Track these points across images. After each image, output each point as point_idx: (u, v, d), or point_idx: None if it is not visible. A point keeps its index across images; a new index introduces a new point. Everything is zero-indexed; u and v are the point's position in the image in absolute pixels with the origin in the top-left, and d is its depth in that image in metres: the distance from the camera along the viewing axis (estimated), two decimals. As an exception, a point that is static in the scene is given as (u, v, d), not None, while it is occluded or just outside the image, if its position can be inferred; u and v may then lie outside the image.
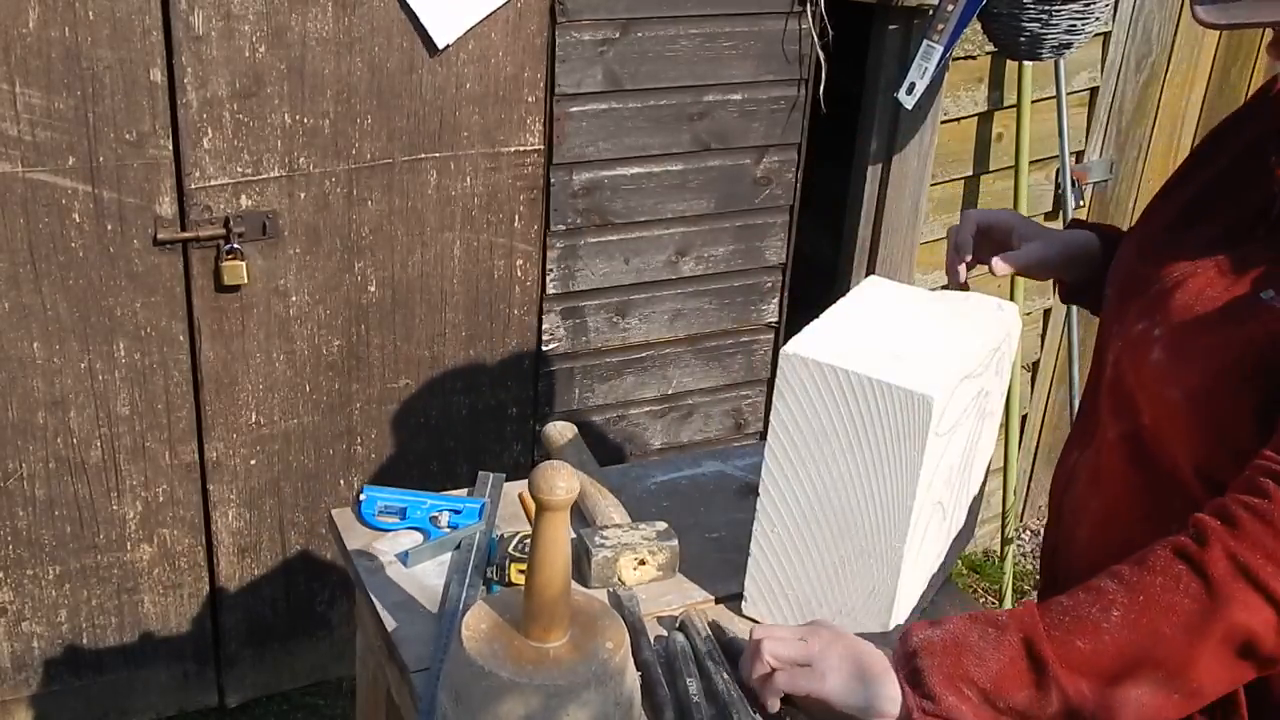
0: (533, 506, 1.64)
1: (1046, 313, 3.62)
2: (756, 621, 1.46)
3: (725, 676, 1.35)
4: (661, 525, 1.54)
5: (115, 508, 2.59)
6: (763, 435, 2.59)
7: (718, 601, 1.50)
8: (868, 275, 2.65)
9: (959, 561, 3.57)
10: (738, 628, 1.44)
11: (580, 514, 1.62)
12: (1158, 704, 1.19)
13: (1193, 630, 1.16)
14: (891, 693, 1.23)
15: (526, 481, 1.70)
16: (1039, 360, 3.70)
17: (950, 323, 1.45)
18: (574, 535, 1.53)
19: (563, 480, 1.14)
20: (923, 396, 1.27)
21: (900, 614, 1.42)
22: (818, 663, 1.26)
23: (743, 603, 1.48)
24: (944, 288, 1.63)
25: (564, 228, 2.75)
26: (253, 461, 2.68)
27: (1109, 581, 1.20)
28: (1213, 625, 1.16)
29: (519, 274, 2.76)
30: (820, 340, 1.37)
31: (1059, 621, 1.20)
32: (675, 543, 1.52)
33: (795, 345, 1.35)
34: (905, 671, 1.23)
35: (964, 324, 1.45)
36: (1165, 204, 1.51)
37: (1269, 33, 1.28)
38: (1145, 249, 1.46)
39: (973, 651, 1.21)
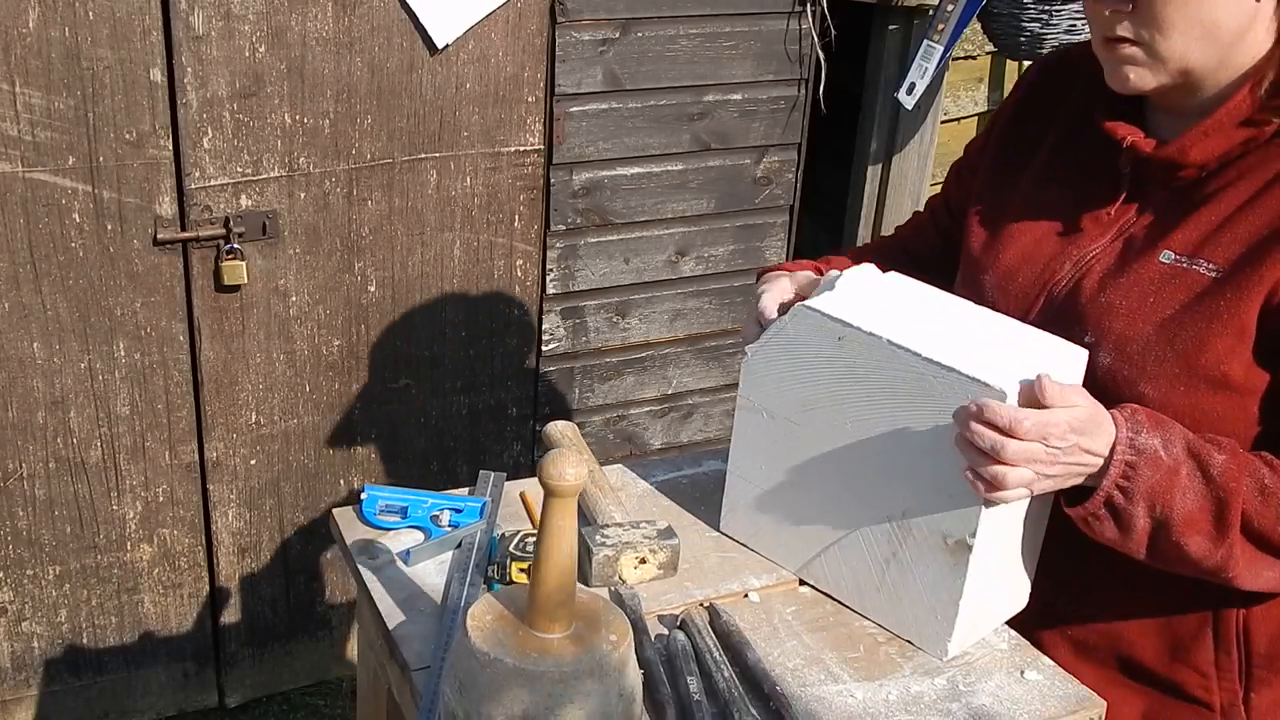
0: (535, 505, 1.64)
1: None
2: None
3: (726, 675, 1.35)
4: (663, 524, 1.54)
5: (115, 508, 2.59)
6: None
7: (719, 600, 1.50)
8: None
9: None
10: (737, 627, 1.44)
11: (581, 512, 1.62)
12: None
13: None
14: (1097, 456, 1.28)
15: (527, 480, 1.71)
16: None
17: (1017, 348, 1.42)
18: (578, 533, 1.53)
19: (571, 467, 1.14)
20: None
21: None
22: (1060, 467, 1.28)
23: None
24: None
25: (564, 228, 2.75)
26: (253, 461, 2.68)
27: None
28: None
29: (519, 274, 2.76)
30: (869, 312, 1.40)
31: (1253, 497, 1.28)
32: (676, 541, 1.52)
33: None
34: (1122, 462, 1.27)
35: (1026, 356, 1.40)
36: (998, 209, 1.54)
37: None
38: (1008, 263, 1.49)
39: (1181, 486, 1.27)
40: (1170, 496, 1.27)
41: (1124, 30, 1.31)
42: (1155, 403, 1.34)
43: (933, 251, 1.74)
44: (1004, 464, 1.24)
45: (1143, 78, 1.33)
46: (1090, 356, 1.38)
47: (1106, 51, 1.35)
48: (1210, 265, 1.33)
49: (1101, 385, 1.38)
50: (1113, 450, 1.27)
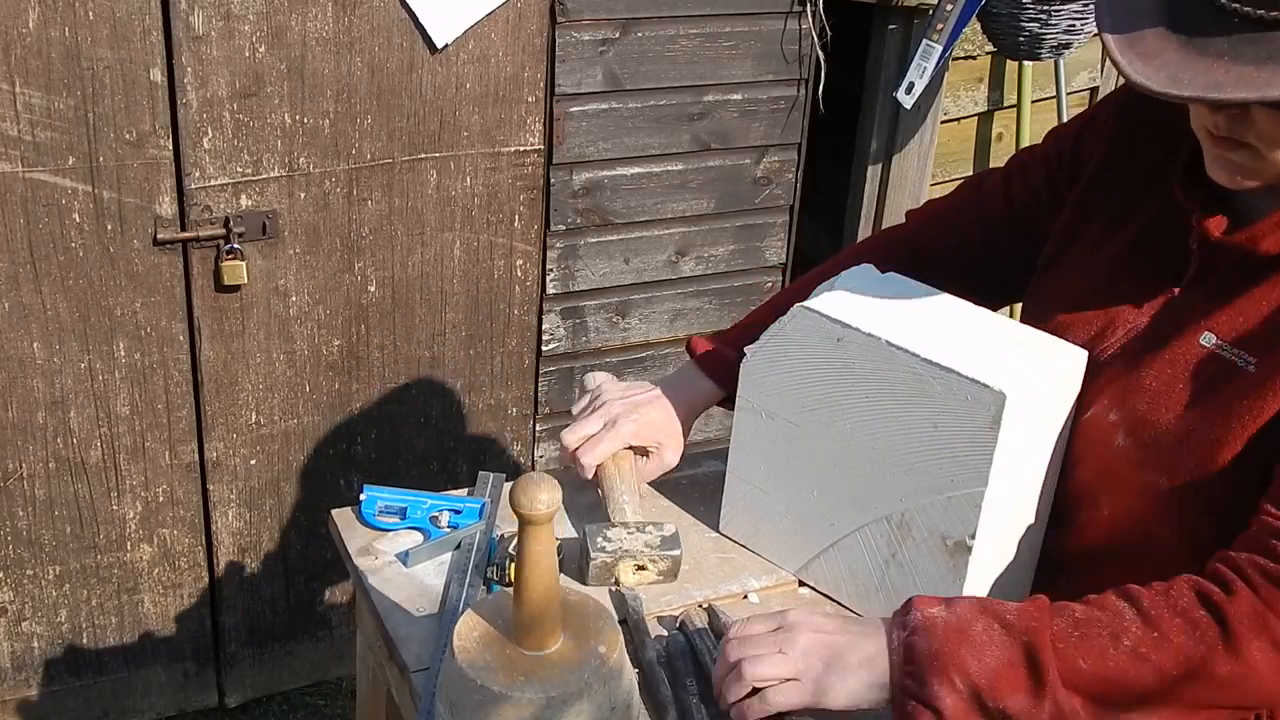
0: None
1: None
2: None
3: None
4: (670, 530, 1.51)
5: (115, 508, 2.59)
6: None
7: (718, 601, 1.50)
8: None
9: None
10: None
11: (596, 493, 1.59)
12: None
13: (1202, 678, 1.15)
14: (879, 677, 1.21)
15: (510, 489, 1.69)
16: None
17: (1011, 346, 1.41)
18: (579, 532, 1.53)
19: (545, 493, 1.10)
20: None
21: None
22: (804, 673, 1.22)
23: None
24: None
25: (564, 228, 2.75)
26: (253, 461, 2.68)
27: (1126, 606, 1.18)
28: (1224, 676, 1.15)
29: (519, 274, 2.76)
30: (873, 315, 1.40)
31: (1067, 634, 1.17)
32: (678, 552, 1.48)
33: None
34: (899, 645, 1.20)
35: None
36: (1071, 262, 1.48)
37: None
38: (1056, 322, 1.43)
39: (974, 644, 1.17)
40: (962, 658, 1.16)
41: (1233, 134, 1.20)
42: (1165, 493, 1.28)
43: (963, 241, 1.65)
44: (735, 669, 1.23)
45: (1252, 177, 1.23)
46: (1110, 434, 1.34)
47: (1211, 145, 1.24)
48: (1248, 359, 1.25)
49: (1112, 467, 1.34)
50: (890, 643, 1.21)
